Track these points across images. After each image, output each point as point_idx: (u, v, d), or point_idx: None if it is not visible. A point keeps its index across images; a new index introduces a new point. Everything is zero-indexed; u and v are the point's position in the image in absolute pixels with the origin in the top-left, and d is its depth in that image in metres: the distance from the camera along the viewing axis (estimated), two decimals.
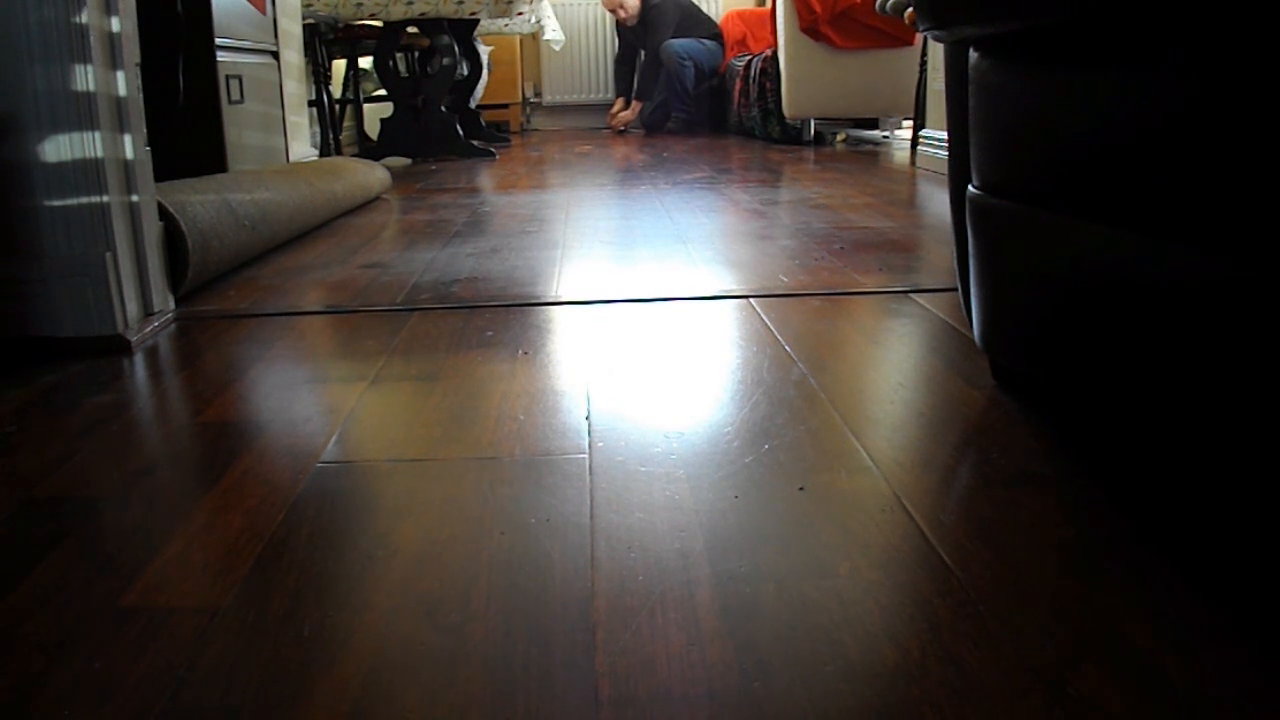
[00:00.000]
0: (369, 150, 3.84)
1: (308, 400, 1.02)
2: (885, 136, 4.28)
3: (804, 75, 3.87)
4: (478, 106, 4.69)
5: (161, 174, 1.39)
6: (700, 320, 1.30)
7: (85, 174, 1.20)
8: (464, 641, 0.58)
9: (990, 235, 0.90)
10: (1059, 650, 0.55)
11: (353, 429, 0.93)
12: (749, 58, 4.53)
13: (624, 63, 5.48)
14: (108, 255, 1.21)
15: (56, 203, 1.20)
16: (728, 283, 1.50)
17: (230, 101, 2.20)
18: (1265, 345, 0.61)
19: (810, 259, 1.68)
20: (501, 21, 4.48)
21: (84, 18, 1.17)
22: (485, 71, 4.76)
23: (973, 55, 0.89)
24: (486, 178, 3.20)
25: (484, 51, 4.75)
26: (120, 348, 1.21)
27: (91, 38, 1.18)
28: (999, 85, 0.84)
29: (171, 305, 1.38)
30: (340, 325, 1.33)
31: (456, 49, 3.84)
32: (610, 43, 5.69)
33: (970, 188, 0.93)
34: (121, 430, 0.94)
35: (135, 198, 1.27)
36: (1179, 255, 0.67)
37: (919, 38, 3.56)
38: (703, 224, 2.09)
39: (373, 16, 3.52)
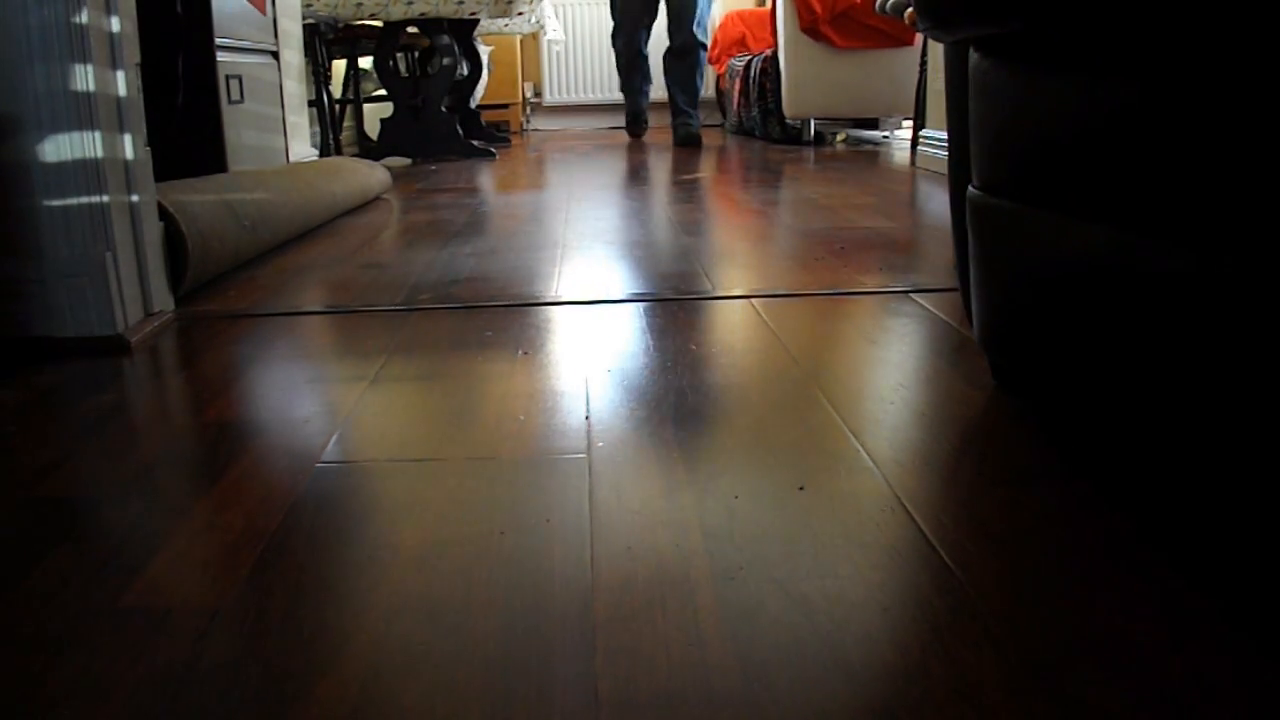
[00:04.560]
0: (369, 150, 3.84)
1: (308, 400, 1.02)
2: (885, 136, 4.28)
3: (804, 75, 3.87)
4: (478, 106, 4.68)
5: (161, 174, 1.39)
6: (700, 320, 1.30)
7: (85, 174, 1.20)
8: (464, 642, 0.58)
9: (990, 235, 0.90)
10: (1059, 650, 0.55)
11: (353, 429, 0.93)
12: (749, 58, 4.52)
13: (634, 59, 4.34)
14: (108, 255, 1.21)
15: (56, 203, 1.20)
16: (728, 283, 1.50)
17: (230, 101, 2.20)
18: (1265, 345, 0.61)
19: (810, 259, 1.68)
20: (501, 21, 4.47)
21: (84, 18, 1.17)
22: (485, 71, 4.76)
23: (973, 55, 0.89)
24: (486, 178, 3.20)
25: (484, 51, 4.75)
26: (120, 348, 1.21)
27: (91, 38, 1.18)
28: (999, 85, 0.84)
29: (171, 305, 1.38)
30: (340, 325, 1.32)
31: (456, 49, 3.84)
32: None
33: (970, 188, 0.93)
34: (121, 430, 0.94)
35: (135, 198, 1.27)
36: (1179, 255, 0.67)
37: (919, 38, 3.56)
38: (702, 224, 2.09)
39: (373, 16, 3.52)
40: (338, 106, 3.93)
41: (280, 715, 0.52)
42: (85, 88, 1.18)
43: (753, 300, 1.39)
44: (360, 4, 3.43)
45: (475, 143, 3.94)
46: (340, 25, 3.64)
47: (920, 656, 0.55)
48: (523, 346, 1.19)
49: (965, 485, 0.78)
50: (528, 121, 5.82)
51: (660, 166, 3.40)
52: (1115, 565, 0.64)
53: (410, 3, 3.48)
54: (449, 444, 0.88)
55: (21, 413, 1.00)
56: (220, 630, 0.59)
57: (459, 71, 4.01)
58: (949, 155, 1.01)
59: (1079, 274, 0.77)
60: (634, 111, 4.61)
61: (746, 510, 0.74)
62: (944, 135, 2.86)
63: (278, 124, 2.57)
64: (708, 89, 5.02)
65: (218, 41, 2.13)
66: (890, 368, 1.08)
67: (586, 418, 0.94)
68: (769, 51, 4.21)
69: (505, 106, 5.55)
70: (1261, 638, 0.56)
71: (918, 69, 3.45)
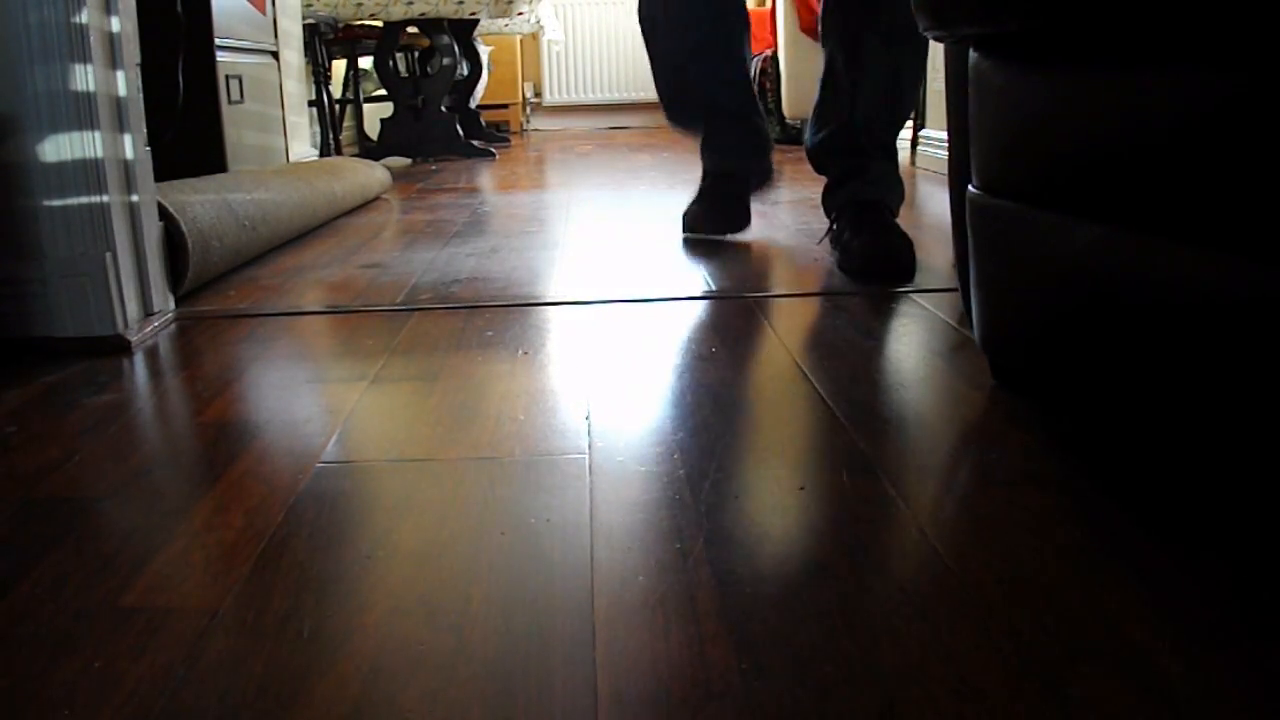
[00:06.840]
0: (369, 150, 3.83)
1: (308, 400, 1.02)
2: None
3: (804, 75, 3.86)
4: (478, 106, 4.68)
5: (161, 174, 1.38)
6: (701, 320, 1.30)
7: (85, 174, 1.20)
8: (464, 641, 0.58)
9: (990, 235, 0.90)
10: (1059, 650, 0.55)
11: (353, 429, 0.93)
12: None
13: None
14: (108, 255, 1.21)
15: (56, 203, 1.20)
16: (728, 283, 1.50)
17: (230, 101, 2.20)
18: (1266, 347, 0.61)
19: (810, 259, 1.68)
20: (501, 21, 4.47)
21: (84, 18, 1.17)
22: (485, 71, 4.75)
23: (973, 55, 0.89)
24: (486, 178, 3.20)
25: (484, 51, 4.75)
26: (120, 348, 1.21)
27: (91, 38, 1.18)
28: (999, 85, 0.84)
29: (171, 305, 1.38)
30: (340, 325, 1.32)
31: (456, 49, 3.84)
32: (612, 43, 5.59)
33: (970, 188, 0.93)
34: (121, 430, 0.94)
35: (135, 198, 1.27)
36: (1179, 255, 0.67)
37: None
38: None
39: (373, 16, 3.52)
40: (338, 106, 3.93)
41: (280, 715, 0.52)
42: (85, 88, 1.18)
43: (753, 300, 1.39)
44: (360, 4, 3.43)
45: (475, 143, 3.94)
46: (340, 25, 3.64)
47: (920, 656, 0.55)
48: (523, 346, 1.19)
49: (965, 485, 0.78)
50: (528, 122, 5.81)
51: (660, 168, 3.40)
52: (1115, 565, 0.64)
53: (410, 3, 3.48)
54: (449, 444, 0.88)
55: (22, 413, 1.00)
56: (220, 630, 0.59)
57: (459, 71, 4.01)
58: (949, 155, 1.01)
59: (1080, 274, 0.77)
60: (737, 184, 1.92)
61: (746, 510, 0.74)
62: (944, 135, 2.86)
63: (278, 124, 2.57)
64: None
65: (218, 41, 2.13)
66: (890, 368, 1.08)
67: (586, 418, 0.94)
68: (769, 51, 4.21)
69: (505, 106, 5.55)
70: (1262, 637, 0.56)
71: None
